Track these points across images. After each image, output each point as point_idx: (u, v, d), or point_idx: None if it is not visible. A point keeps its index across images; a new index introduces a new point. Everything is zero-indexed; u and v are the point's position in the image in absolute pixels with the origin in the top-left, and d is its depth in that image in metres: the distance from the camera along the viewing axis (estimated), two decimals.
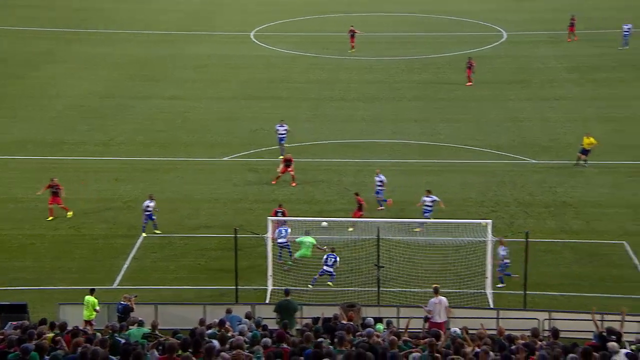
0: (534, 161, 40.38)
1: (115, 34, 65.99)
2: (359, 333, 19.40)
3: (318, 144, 42.96)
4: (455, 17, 70.64)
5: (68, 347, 17.60)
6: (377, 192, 34.84)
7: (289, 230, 30.12)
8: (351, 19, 66.69)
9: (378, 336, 18.57)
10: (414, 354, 16.75)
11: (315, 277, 29.03)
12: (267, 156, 40.42)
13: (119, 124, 45.97)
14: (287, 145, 40.56)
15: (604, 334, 19.49)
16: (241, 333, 18.62)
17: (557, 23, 63.08)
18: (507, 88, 51.76)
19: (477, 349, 17.07)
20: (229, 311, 23.22)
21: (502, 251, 28.72)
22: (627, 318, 21.39)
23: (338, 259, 28.91)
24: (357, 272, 29.27)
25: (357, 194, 33.64)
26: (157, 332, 20.14)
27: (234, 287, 27.73)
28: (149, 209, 32.62)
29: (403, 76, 54.80)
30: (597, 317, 21.73)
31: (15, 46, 62.51)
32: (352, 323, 21.05)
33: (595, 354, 16.27)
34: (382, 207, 34.58)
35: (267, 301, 27.50)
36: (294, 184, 37.53)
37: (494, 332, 20.65)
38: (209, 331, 19.44)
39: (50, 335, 18.74)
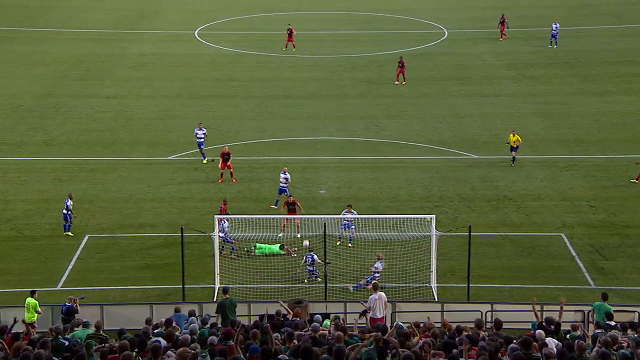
0: (475, 156, 41.14)
1: (53, 32, 64.91)
2: (305, 329, 19.57)
3: (263, 142, 43.04)
4: (398, 15, 71.37)
5: (9, 350, 17.37)
6: (280, 190, 34.87)
7: (226, 223, 30.16)
8: (295, 17, 66.87)
9: (324, 330, 18.77)
10: (361, 348, 16.96)
11: (311, 277, 29.29)
12: (210, 154, 40.27)
13: (60, 124, 45.31)
14: (230, 144, 40.47)
15: (543, 323, 20.10)
16: (192, 332, 18.59)
17: (495, 21, 64.19)
18: (448, 85, 52.53)
19: (422, 341, 17.40)
20: (177, 310, 23.19)
21: (379, 265, 28.24)
22: (565, 308, 22.09)
23: (316, 257, 29.16)
24: (304, 269, 29.63)
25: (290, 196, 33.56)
26: (101, 333, 20.02)
27: (180, 286, 27.69)
28: (68, 208, 32.33)
29: (347, 74, 55.17)
30: (537, 307, 22.36)
31: None
32: (298, 319, 21.26)
33: (534, 343, 16.81)
34: (275, 206, 34.61)
35: (214, 299, 27.51)
36: (233, 180, 37.56)
37: (439, 325, 21.06)
38: (156, 330, 19.41)
39: None
